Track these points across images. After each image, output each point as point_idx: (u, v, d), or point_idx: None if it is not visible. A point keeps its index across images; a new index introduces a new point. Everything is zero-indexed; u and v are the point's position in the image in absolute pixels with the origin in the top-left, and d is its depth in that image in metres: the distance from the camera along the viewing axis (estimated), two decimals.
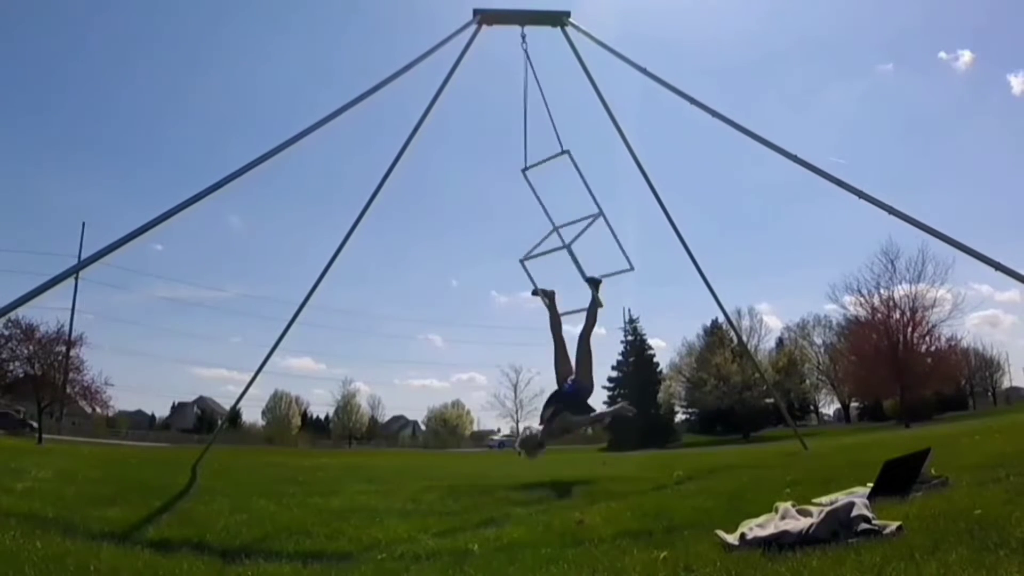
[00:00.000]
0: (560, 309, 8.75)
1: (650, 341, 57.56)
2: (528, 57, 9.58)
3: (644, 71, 9.58)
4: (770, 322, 57.59)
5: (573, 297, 9.07)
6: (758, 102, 74.20)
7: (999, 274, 7.48)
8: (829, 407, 66.78)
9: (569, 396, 7.91)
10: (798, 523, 3.85)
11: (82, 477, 8.53)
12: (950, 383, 47.95)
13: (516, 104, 9.55)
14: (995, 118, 76.36)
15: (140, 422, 67.74)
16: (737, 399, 49.55)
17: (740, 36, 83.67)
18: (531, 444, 7.66)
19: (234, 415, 54.15)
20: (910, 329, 40.86)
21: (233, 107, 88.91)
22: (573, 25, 9.97)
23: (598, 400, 59.97)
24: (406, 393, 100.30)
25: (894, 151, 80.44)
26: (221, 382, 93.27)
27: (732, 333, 46.41)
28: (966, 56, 78.64)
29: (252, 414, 66.68)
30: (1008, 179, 75.89)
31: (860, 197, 8.21)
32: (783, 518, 4.08)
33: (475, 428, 70.24)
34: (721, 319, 43.56)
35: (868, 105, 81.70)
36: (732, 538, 3.86)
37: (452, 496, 7.68)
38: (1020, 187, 74.53)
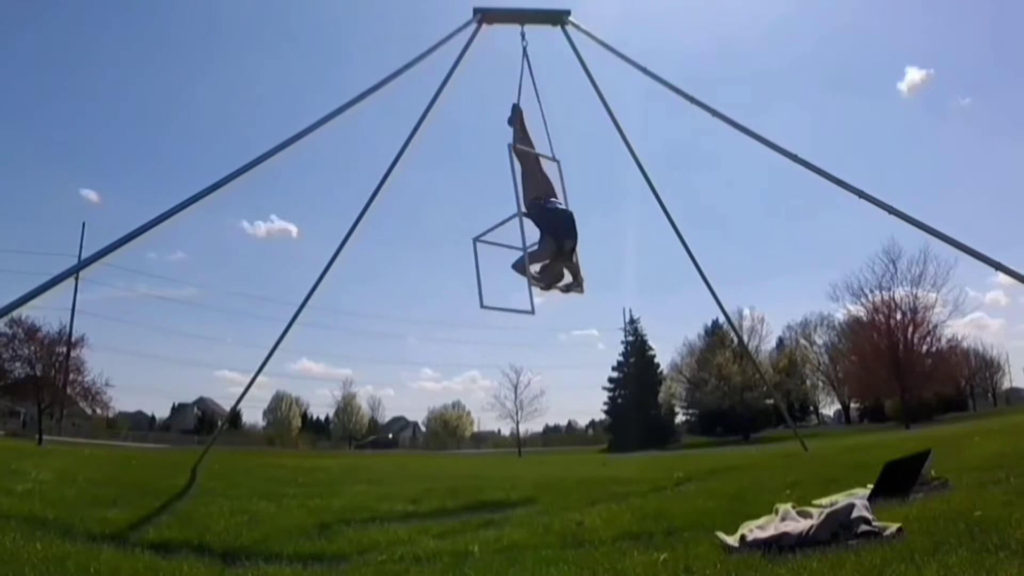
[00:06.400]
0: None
1: (650, 342, 57.51)
2: (526, 54, 9.48)
3: (645, 70, 9.59)
4: (771, 323, 57.27)
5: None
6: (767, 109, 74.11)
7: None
8: (829, 408, 66.68)
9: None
10: (798, 525, 3.85)
11: (82, 479, 8.53)
12: (950, 384, 47.86)
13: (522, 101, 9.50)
14: None
15: (140, 423, 67.61)
16: (738, 400, 49.51)
17: (746, 43, 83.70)
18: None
19: (234, 416, 54.09)
20: (911, 330, 40.86)
21: (234, 108, 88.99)
22: (573, 24, 9.97)
23: (597, 401, 60.12)
24: (406, 394, 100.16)
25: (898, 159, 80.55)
26: (222, 383, 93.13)
27: (733, 334, 46.38)
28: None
29: (253, 415, 66.64)
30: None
31: (860, 197, 8.21)
32: (783, 520, 4.08)
33: (475, 429, 70.16)
34: (722, 319, 43.57)
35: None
36: (732, 540, 3.86)
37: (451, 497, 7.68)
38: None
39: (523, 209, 7.97)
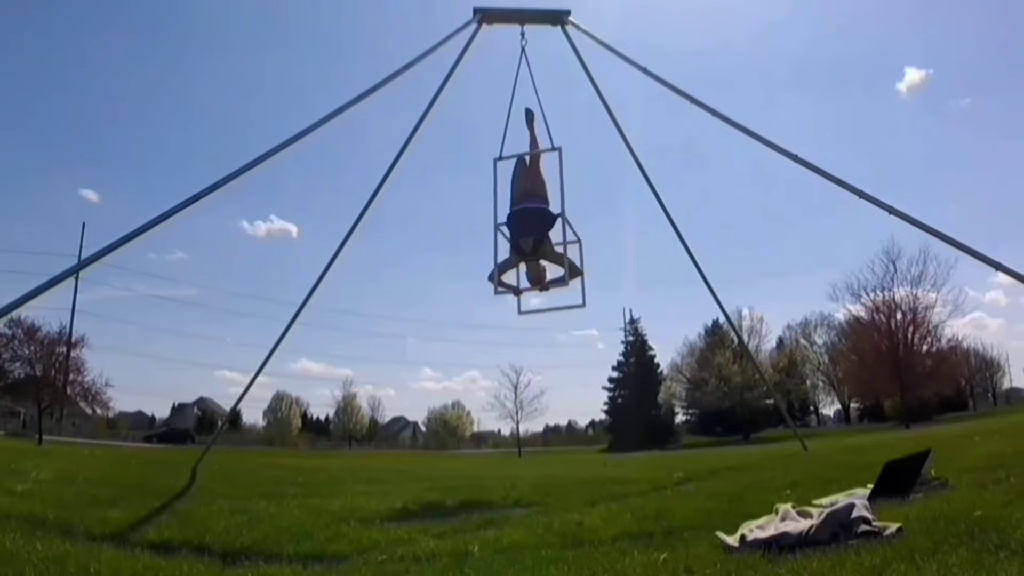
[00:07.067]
0: None
1: (650, 342, 57.49)
2: (524, 53, 9.45)
3: (644, 70, 9.59)
4: (771, 323, 57.31)
5: None
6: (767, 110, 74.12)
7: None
8: (829, 408, 66.76)
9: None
10: (798, 525, 3.85)
11: (82, 479, 8.52)
12: (950, 384, 47.87)
13: (518, 104, 9.50)
14: None
15: (140, 423, 67.60)
16: (738, 400, 49.51)
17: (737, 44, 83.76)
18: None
19: (234, 416, 54.03)
20: (911, 330, 40.86)
21: (233, 108, 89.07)
22: (573, 24, 9.98)
23: (597, 401, 60.10)
24: (406, 394, 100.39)
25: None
26: (222, 383, 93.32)
27: (733, 334, 46.37)
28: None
29: (253, 415, 66.66)
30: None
31: (860, 197, 8.21)
32: (783, 520, 4.08)
33: (475, 429, 70.18)
34: (722, 319, 43.56)
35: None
36: (732, 540, 3.86)
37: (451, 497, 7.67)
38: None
39: (499, 221, 8.21)
